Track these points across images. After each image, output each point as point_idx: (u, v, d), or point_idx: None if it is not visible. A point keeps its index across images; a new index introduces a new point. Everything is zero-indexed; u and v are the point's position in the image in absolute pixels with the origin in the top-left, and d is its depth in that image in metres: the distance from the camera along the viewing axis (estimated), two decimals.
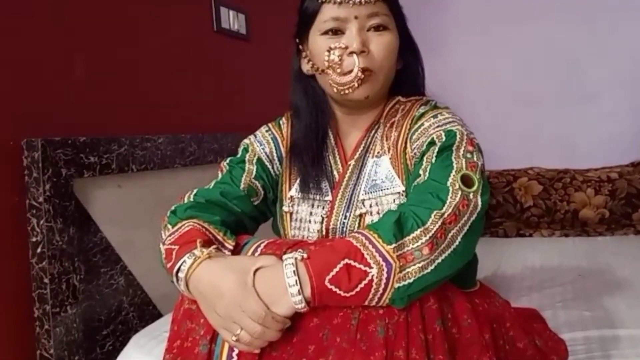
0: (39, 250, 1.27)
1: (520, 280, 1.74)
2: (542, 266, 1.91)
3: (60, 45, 1.40)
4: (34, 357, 1.29)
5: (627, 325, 1.30)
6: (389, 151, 1.00)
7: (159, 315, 1.60)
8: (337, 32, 0.96)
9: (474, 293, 0.98)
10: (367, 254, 0.75)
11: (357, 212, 0.97)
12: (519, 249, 2.16)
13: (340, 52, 0.94)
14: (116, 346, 1.45)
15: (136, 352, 1.29)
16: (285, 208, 1.05)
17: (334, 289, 0.74)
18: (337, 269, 0.74)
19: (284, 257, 0.77)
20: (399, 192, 0.95)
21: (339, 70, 0.94)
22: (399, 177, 0.96)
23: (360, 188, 0.99)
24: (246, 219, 1.02)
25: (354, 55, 0.93)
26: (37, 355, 1.29)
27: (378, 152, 1.01)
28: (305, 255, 0.77)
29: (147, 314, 1.58)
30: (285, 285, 0.74)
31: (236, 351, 0.79)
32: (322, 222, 1.00)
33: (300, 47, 1.04)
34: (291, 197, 1.05)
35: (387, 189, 0.96)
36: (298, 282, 0.74)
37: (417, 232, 0.76)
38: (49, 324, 1.27)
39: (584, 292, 1.59)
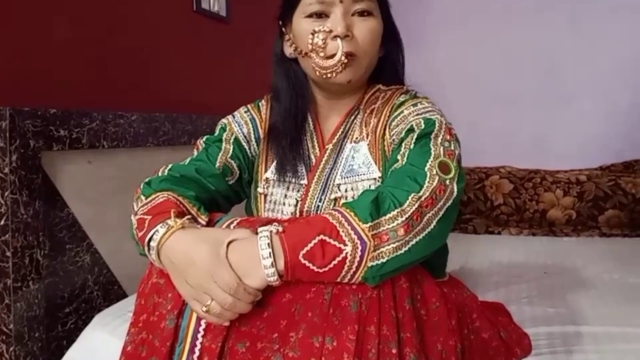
0: (2, 222, 1.23)
1: (487, 276, 1.76)
2: (510, 263, 1.93)
3: (34, 13, 1.35)
4: None
5: (588, 322, 1.33)
6: (367, 137, 1.00)
7: (124, 295, 1.57)
8: (321, 15, 0.95)
9: (443, 283, 0.98)
10: (343, 231, 0.75)
11: (332, 196, 0.97)
12: (487, 246, 2.19)
13: (324, 35, 0.93)
14: (78, 324, 1.42)
15: (99, 330, 1.27)
16: (259, 189, 1.04)
17: (307, 264, 0.74)
18: (311, 245, 0.74)
19: (259, 229, 0.77)
20: (375, 178, 0.95)
21: (322, 54, 0.93)
22: (375, 163, 0.97)
23: (336, 172, 0.99)
24: (220, 197, 1.01)
25: (338, 39, 0.93)
26: None
27: (356, 138, 1.01)
28: (280, 229, 0.77)
29: (112, 293, 1.55)
30: (258, 257, 0.74)
31: (203, 326, 0.78)
32: (296, 205, 1.00)
33: (284, 29, 1.03)
34: (266, 179, 1.04)
35: (364, 174, 0.96)
36: (272, 254, 0.74)
37: (394, 212, 0.77)
38: (9, 299, 1.24)
39: (549, 289, 1.62)
